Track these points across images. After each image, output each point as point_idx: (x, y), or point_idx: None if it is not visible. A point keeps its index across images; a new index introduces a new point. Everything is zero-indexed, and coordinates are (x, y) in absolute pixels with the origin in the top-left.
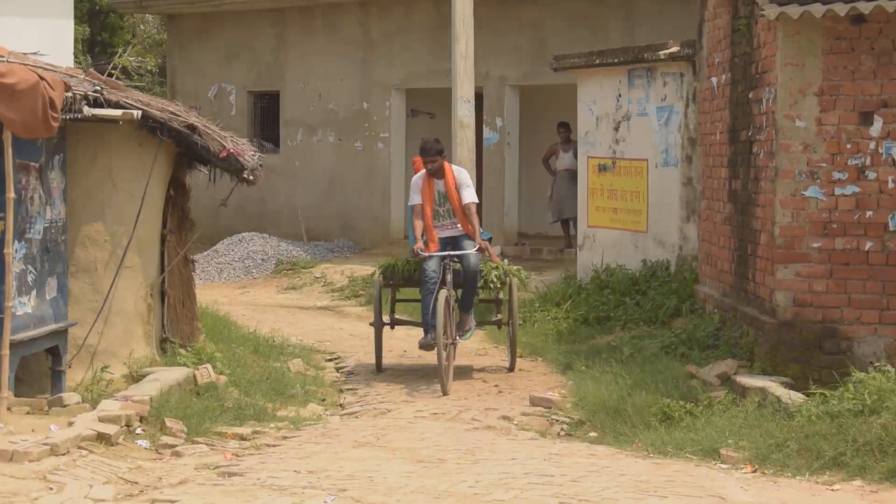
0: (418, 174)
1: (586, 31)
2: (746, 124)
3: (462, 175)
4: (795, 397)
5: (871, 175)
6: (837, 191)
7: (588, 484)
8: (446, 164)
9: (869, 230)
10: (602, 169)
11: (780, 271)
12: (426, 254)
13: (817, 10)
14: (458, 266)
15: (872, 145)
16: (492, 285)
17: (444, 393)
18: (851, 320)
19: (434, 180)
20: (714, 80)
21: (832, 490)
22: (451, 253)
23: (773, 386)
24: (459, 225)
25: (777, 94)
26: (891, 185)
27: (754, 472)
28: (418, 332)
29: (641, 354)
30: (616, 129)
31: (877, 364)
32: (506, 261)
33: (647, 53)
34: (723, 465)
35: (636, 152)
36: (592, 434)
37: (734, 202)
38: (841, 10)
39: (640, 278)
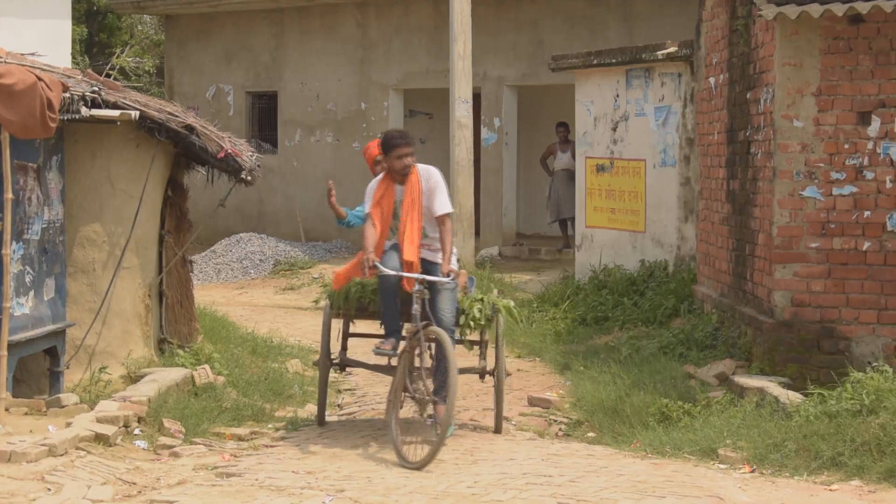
0: (377, 179)
1: (584, 31)
2: (744, 124)
3: (434, 176)
4: (793, 397)
5: (869, 175)
6: (835, 191)
7: (586, 484)
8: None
9: (867, 230)
10: (600, 169)
11: (778, 271)
12: (386, 271)
13: (815, 10)
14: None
15: (870, 145)
16: (473, 323)
17: (411, 465)
18: (850, 320)
19: (394, 185)
20: (712, 80)
21: (830, 490)
22: (423, 276)
23: (772, 386)
24: (428, 245)
25: (775, 95)
26: (889, 184)
27: (752, 472)
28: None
29: (639, 355)
30: (614, 130)
31: (875, 364)
32: (495, 291)
33: (645, 54)
34: (721, 466)
35: (634, 152)
36: (590, 434)
37: (732, 202)
38: (839, 10)
39: (638, 278)
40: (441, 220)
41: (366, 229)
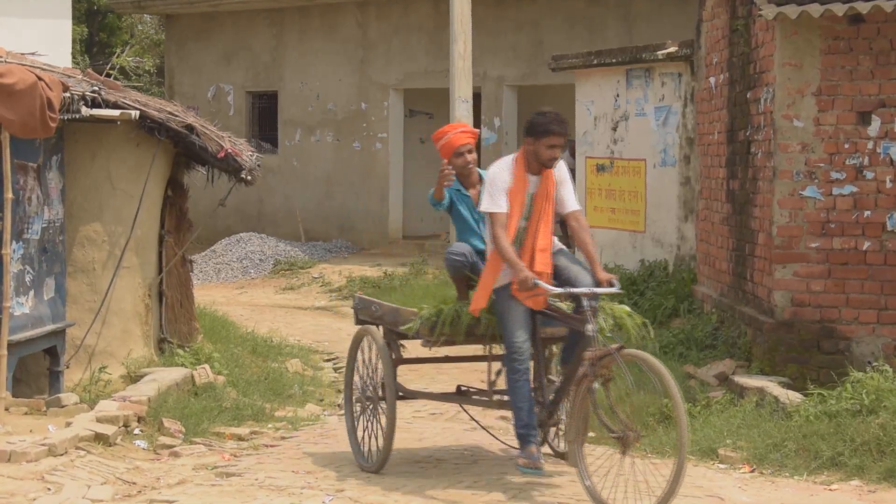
0: (504, 163)
1: (584, 31)
2: (744, 124)
3: (562, 168)
4: (793, 397)
5: (870, 175)
6: (835, 191)
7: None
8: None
9: (867, 230)
10: (600, 169)
11: (778, 271)
12: (555, 290)
13: (815, 10)
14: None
15: (870, 145)
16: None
17: None
18: (849, 320)
19: (527, 175)
20: (712, 80)
21: (830, 490)
22: (600, 290)
23: (772, 386)
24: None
25: (775, 94)
26: (889, 184)
27: (752, 471)
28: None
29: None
30: (614, 130)
31: (875, 364)
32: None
33: (645, 53)
34: (721, 465)
35: (634, 152)
36: (591, 434)
37: (732, 202)
38: (839, 10)
39: (638, 278)
40: (575, 217)
41: (498, 243)
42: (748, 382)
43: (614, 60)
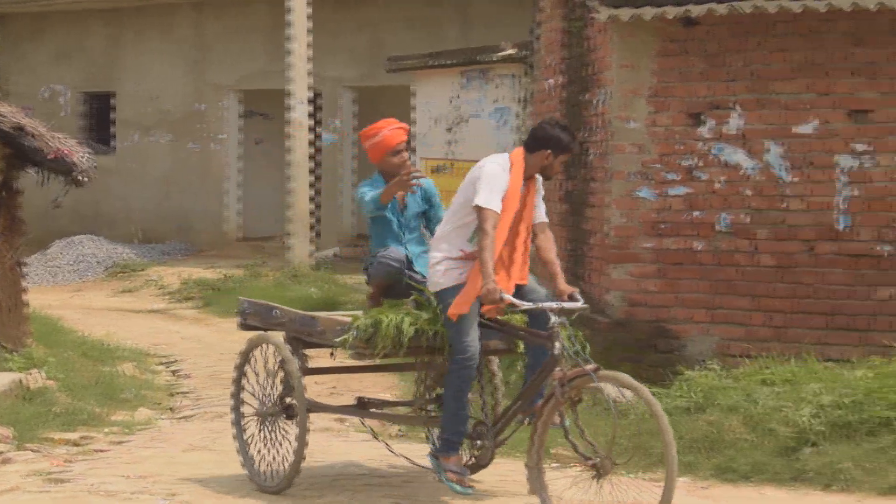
0: (502, 162)
1: (423, 33)
2: (580, 125)
3: (541, 181)
4: (628, 396)
5: (702, 176)
6: (669, 191)
7: (419, 484)
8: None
9: (699, 230)
10: (438, 170)
11: (612, 271)
12: (524, 304)
13: (649, 12)
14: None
15: (702, 146)
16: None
17: None
18: (682, 319)
19: (522, 181)
20: (548, 81)
21: (660, 486)
22: (568, 305)
23: (606, 385)
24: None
25: (610, 96)
26: (720, 185)
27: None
28: None
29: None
30: (452, 131)
31: (706, 362)
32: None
33: (483, 55)
34: (556, 465)
35: (472, 153)
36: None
37: (568, 203)
38: (672, 12)
39: None
40: (542, 228)
41: (486, 243)
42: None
43: (452, 62)
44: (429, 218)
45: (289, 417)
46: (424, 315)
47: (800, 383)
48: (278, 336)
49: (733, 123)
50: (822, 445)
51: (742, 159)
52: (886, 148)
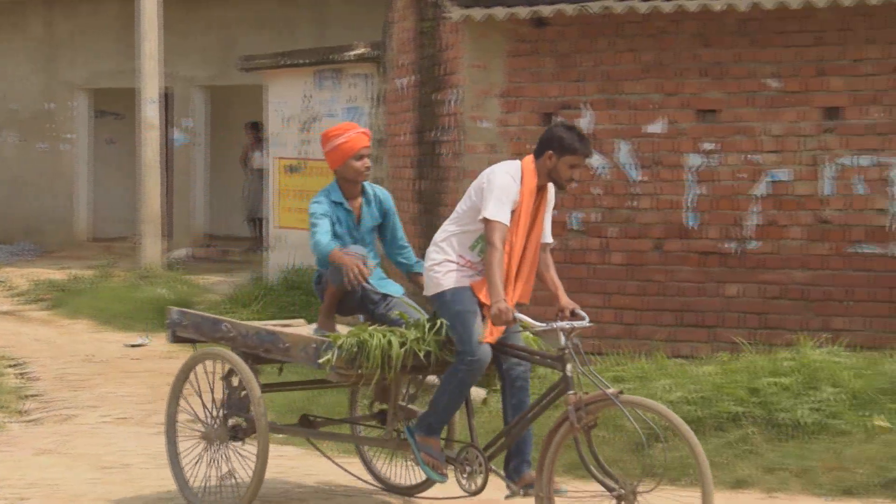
0: (512, 170)
1: (276, 33)
2: (433, 125)
3: (552, 193)
4: (479, 394)
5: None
6: None
7: (272, 485)
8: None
9: (552, 229)
10: (291, 170)
11: None
12: (537, 324)
13: (500, 12)
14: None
15: None
16: None
17: None
18: (535, 318)
19: (534, 189)
20: (401, 81)
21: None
22: (579, 324)
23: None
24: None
25: (462, 96)
26: (571, 185)
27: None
28: None
29: None
30: (305, 130)
31: None
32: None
33: (335, 55)
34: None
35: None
36: (280, 436)
37: (421, 202)
38: (523, 13)
39: None
40: (543, 249)
41: (494, 258)
42: (428, 379)
43: (304, 61)
44: (384, 231)
45: (236, 439)
46: (412, 335)
47: (650, 380)
48: (229, 352)
49: (584, 123)
50: (672, 441)
51: (593, 159)
52: (733, 147)
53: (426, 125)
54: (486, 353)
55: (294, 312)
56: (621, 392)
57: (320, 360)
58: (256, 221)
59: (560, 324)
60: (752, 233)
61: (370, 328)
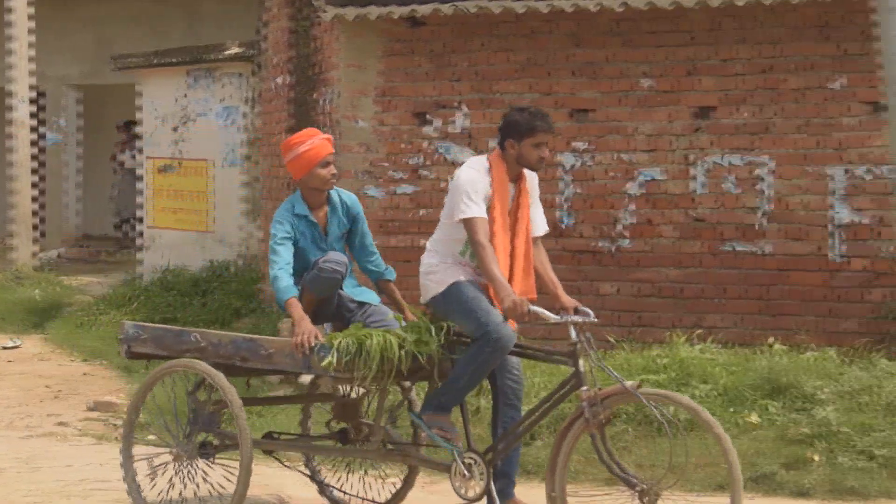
0: (479, 165)
1: (149, 30)
2: (308, 125)
3: (534, 177)
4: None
5: (428, 174)
6: (396, 190)
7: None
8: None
9: (427, 228)
10: (166, 169)
11: None
12: (553, 316)
13: (375, 12)
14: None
15: (428, 145)
16: None
17: None
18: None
19: (508, 183)
20: (276, 80)
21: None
22: (591, 320)
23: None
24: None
25: (337, 95)
26: (447, 184)
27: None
28: None
29: None
30: (179, 130)
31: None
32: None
33: (209, 54)
34: (288, 464)
35: (199, 152)
36: (153, 437)
37: None
38: (398, 12)
39: (204, 279)
40: (537, 242)
41: (483, 254)
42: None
43: (177, 60)
44: (353, 237)
45: (206, 456)
46: (411, 337)
47: (524, 378)
48: (203, 364)
49: (459, 122)
50: (547, 439)
51: (468, 158)
52: (606, 147)
53: (301, 125)
54: (510, 334)
55: (168, 314)
56: (640, 385)
57: (322, 364)
58: (124, 222)
59: (572, 318)
60: (626, 231)
61: (364, 329)
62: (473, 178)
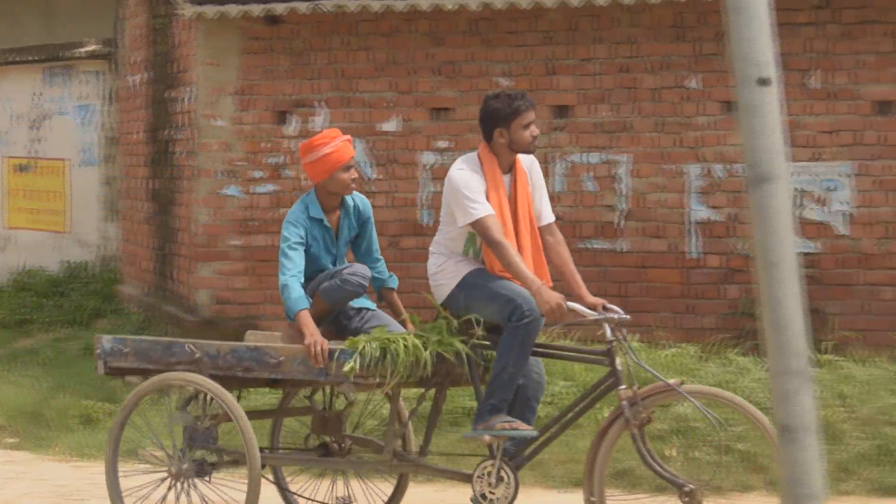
0: (469, 164)
1: (4, 28)
2: (166, 123)
3: (534, 162)
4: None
5: (288, 173)
6: (256, 189)
7: (7, 491)
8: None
9: None
10: (21, 169)
11: (200, 270)
12: (592, 313)
13: (233, 10)
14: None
15: (289, 144)
16: None
17: None
18: (271, 316)
19: (501, 173)
20: (133, 78)
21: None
22: (625, 317)
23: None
24: None
25: (196, 94)
26: (307, 183)
27: None
28: None
29: (63, 357)
30: (35, 128)
31: None
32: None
33: (66, 51)
34: (145, 466)
35: (56, 152)
36: (11, 440)
37: (155, 201)
38: (257, 10)
39: (62, 280)
40: (551, 230)
41: (505, 252)
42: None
43: (33, 58)
44: (359, 241)
45: (202, 475)
46: (433, 337)
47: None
48: (201, 377)
49: (319, 121)
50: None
51: None
52: (466, 145)
53: (160, 123)
54: (532, 302)
55: (25, 315)
56: (682, 382)
57: (345, 369)
58: None
59: (609, 315)
60: None
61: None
62: (467, 177)
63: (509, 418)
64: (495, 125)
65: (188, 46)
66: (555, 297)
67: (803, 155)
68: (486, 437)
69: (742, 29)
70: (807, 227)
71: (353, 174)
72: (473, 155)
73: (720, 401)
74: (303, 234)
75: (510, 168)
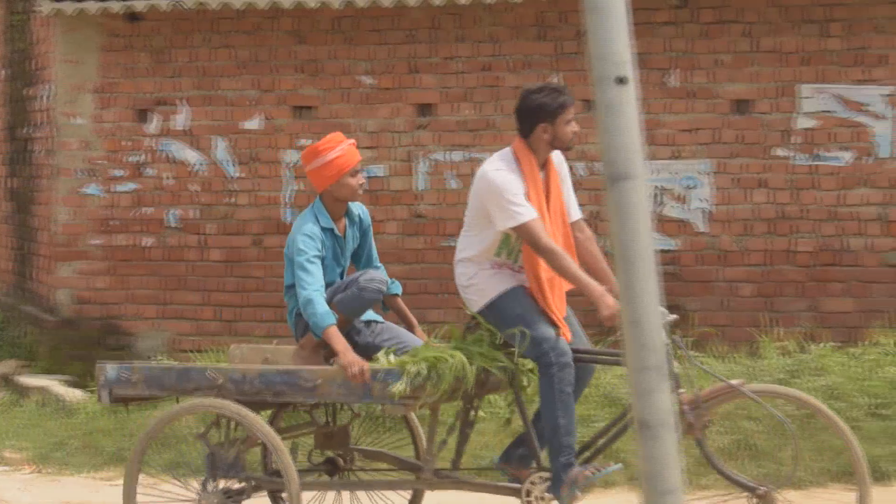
0: (504, 163)
1: None
2: (25, 121)
3: (564, 163)
4: (77, 395)
5: (150, 172)
6: (117, 188)
7: None
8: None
9: (148, 226)
10: None
11: (60, 269)
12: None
13: (92, 6)
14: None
15: (150, 143)
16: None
17: None
18: (133, 316)
19: (538, 171)
20: None
21: (112, 485)
22: (673, 318)
23: (54, 384)
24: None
25: (55, 91)
26: (168, 181)
27: (35, 471)
28: None
29: None
30: None
31: (157, 358)
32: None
33: None
34: (4, 468)
35: None
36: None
37: (14, 201)
38: (116, 7)
39: None
40: (580, 227)
41: (557, 258)
42: (30, 382)
43: None
44: (360, 251)
45: (234, 502)
46: (477, 349)
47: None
48: (230, 403)
49: (180, 120)
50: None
51: (190, 155)
52: None
53: (18, 121)
54: (567, 346)
55: None
56: (744, 382)
57: (393, 391)
58: None
59: (666, 317)
60: None
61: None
62: (508, 179)
63: (584, 466)
64: (539, 120)
65: (46, 43)
66: (611, 299)
67: (663, 153)
68: (578, 494)
69: (599, 28)
70: (667, 225)
71: (361, 179)
72: (508, 152)
73: (785, 398)
74: (319, 246)
75: (544, 164)
